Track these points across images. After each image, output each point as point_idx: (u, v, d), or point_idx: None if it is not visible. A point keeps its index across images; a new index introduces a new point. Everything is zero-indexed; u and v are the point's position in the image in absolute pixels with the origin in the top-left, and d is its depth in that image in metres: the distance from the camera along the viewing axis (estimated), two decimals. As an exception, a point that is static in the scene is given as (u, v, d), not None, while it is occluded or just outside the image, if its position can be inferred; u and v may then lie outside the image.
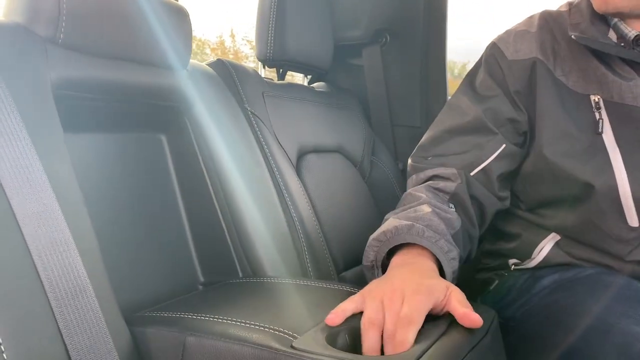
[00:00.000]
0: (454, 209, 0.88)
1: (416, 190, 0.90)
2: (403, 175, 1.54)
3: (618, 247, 0.88)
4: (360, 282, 1.16)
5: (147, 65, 0.84)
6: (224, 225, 0.91)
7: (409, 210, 0.83)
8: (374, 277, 0.79)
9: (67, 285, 0.53)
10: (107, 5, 0.74)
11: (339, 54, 1.45)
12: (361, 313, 0.62)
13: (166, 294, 0.84)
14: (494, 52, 0.98)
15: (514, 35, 0.98)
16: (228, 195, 0.92)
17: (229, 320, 0.60)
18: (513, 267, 1.03)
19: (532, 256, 0.98)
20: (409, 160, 1.02)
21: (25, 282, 0.52)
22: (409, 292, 0.62)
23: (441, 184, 0.90)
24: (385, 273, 0.74)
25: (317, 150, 1.25)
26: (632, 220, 0.86)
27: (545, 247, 0.96)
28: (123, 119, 0.86)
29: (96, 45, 0.74)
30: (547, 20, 0.97)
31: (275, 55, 1.20)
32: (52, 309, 0.51)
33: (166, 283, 0.86)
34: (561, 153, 0.89)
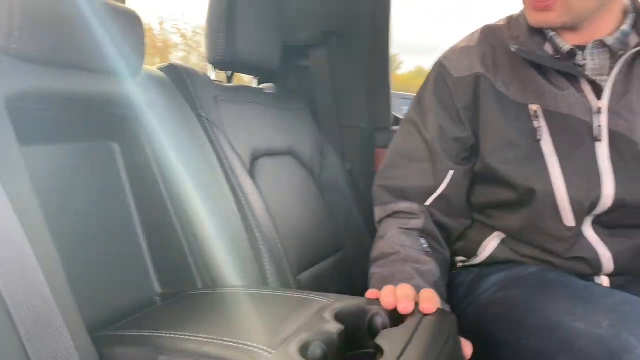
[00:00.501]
0: (426, 243, 0.94)
1: (390, 238, 0.95)
2: (351, 176, 1.57)
3: (557, 245, 0.94)
4: (316, 284, 1.18)
5: (99, 74, 0.82)
6: (181, 234, 0.90)
7: (392, 270, 0.88)
8: None
9: (35, 312, 0.51)
10: (59, 15, 0.72)
11: (286, 55, 1.45)
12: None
13: (123, 308, 0.82)
14: (441, 70, 1.02)
15: (457, 52, 1.02)
16: (185, 204, 0.91)
17: (201, 337, 0.60)
18: (460, 264, 1.08)
19: (478, 253, 1.03)
20: (374, 185, 1.07)
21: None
22: None
23: (410, 223, 0.97)
24: None
25: (269, 154, 1.26)
26: (569, 220, 0.92)
27: (490, 245, 1.02)
28: (74, 129, 0.83)
29: (48, 55, 0.72)
30: (487, 34, 1.02)
31: (227, 58, 1.19)
32: (21, 338, 0.49)
33: (123, 297, 0.84)
34: (504, 160, 0.94)
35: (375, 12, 1.55)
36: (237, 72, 1.31)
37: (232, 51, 1.19)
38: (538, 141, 0.92)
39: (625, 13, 0.95)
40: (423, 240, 0.94)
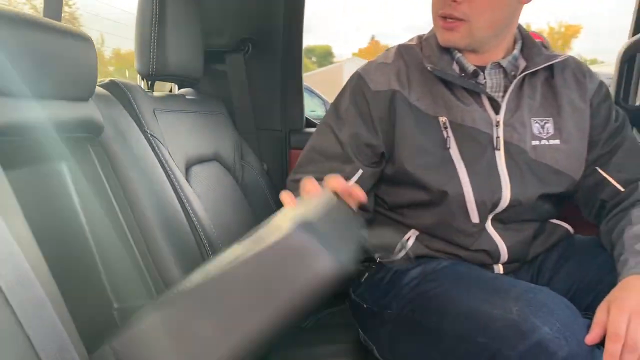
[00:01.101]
0: None
1: None
2: (270, 176, 1.65)
3: (465, 239, 1.11)
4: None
5: (50, 99, 0.82)
6: (135, 249, 0.94)
7: None
8: None
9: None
10: (9, 41, 0.71)
11: (204, 60, 1.49)
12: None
13: (82, 325, 0.84)
14: (360, 83, 1.13)
15: (374, 67, 1.14)
16: (137, 219, 0.94)
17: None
18: (379, 259, 1.22)
19: (396, 250, 1.17)
20: (288, 181, 1.16)
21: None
22: None
23: None
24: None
25: (199, 161, 1.30)
26: (474, 218, 1.09)
27: (407, 242, 1.16)
28: (25, 154, 0.83)
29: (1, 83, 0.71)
30: (402, 52, 1.15)
31: (158, 70, 1.22)
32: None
33: (81, 314, 0.87)
34: (419, 166, 1.09)
35: (289, 21, 1.64)
36: (165, 81, 1.33)
37: (162, 64, 1.22)
38: (447, 149, 1.08)
39: (516, 40, 1.14)
40: None
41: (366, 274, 1.21)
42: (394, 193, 1.16)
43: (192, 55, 1.34)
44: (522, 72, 1.09)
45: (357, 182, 1.09)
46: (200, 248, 1.06)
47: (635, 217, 1.01)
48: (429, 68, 1.08)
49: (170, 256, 0.97)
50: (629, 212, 1.03)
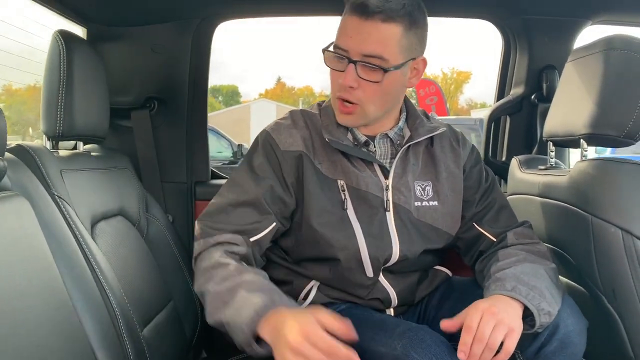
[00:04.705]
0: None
1: (220, 257, 1.09)
2: (174, 227, 1.70)
3: (360, 290, 1.23)
4: (158, 336, 1.30)
5: None
6: (45, 305, 0.95)
7: (236, 282, 1.03)
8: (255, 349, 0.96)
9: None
10: None
11: (110, 116, 1.53)
12: None
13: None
14: (269, 141, 1.21)
15: (283, 128, 1.23)
16: (47, 279, 0.96)
17: None
18: None
19: (301, 298, 1.26)
20: (197, 225, 1.19)
21: None
22: None
23: (235, 248, 1.13)
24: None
25: (104, 217, 1.34)
26: (369, 272, 1.21)
27: (309, 292, 1.25)
28: None
29: None
30: (306, 119, 1.26)
31: (65, 132, 1.25)
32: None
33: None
34: (323, 224, 1.19)
35: (194, 79, 1.73)
36: (71, 141, 1.37)
37: (69, 125, 1.26)
38: (345, 210, 1.19)
39: (401, 111, 1.29)
40: (243, 264, 1.11)
41: None
42: (298, 248, 1.24)
43: (98, 115, 1.39)
44: (406, 142, 1.23)
45: (267, 234, 1.17)
46: (107, 306, 1.09)
47: (501, 256, 1.19)
48: (327, 139, 1.19)
49: (78, 313, 0.99)
50: (497, 253, 1.21)
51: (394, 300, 1.25)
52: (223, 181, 1.88)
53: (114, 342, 1.06)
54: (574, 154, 1.75)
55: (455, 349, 1.01)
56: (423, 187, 1.25)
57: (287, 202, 1.20)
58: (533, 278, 1.08)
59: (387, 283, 1.24)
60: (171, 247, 1.63)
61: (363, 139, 1.23)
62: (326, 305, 1.23)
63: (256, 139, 1.25)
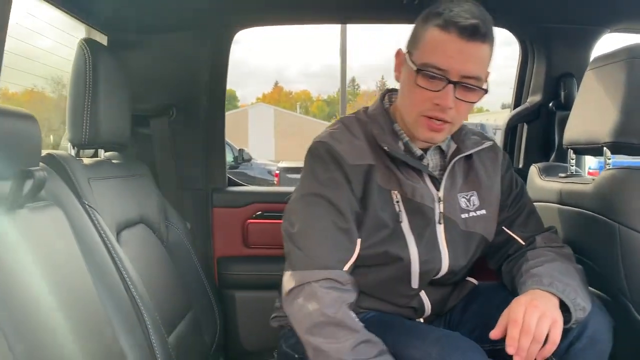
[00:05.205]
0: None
1: (345, 316, 1.04)
2: (192, 235, 1.71)
3: (400, 299, 1.21)
4: (182, 345, 1.30)
5: None
6: (77, 311, 0.95)
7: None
8: None
9: None
10: None
11: None
12: None
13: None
14: (333, 154, 1.13)
15: (344, 140, 1.16)
16: (78, 288, 0.97)
17: None
18: None
19: None
20: (290, 249, 1.11)
21: None
22: None
23: (346, 297, 1.07)
24: None
25: (128, 225, 1.34)
26: (415, 284, 1.19)
27: None
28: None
29: None
30: (361, 128, 1.19)
31: (90, 140, 1.26)
32: None
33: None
34: (377, 236, 1.14)
35: (213, 87, 1.74)
36: (94, 149, 1.37)
37: (94, 134, 1.26)
38: (400, 222, 1.15)
39: None
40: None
41: None
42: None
43: (121, 123, 1.39)
44: (454, 154, 1.21)
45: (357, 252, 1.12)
46: (138, 315, 1.09)
47: (530, 256, 1.20)
48: (386, 148, 1.15)
49: (108, 319, 1.00)
50: (526, 254, 1.22)
51: (428, 310, 1.25)
52: (239, 188, 1.90)
53: (145, 351, 1.06)
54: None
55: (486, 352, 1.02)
56: (468, 197, 1.24)
57: (359, 214, 1.15)
58: (565, 276, 1.10)
59: (425, 294, 1.24)
60: (190, 254, 1.63)
61: (419, 152, 1.20)
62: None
63: (315, 154, 1.16)
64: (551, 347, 0.99)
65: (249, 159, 10.09)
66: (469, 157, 1.26)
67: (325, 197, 1.11)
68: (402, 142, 1.20)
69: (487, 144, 1.26)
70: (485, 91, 1.12)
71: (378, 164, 1.16)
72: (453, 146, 1.24)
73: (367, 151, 1.16)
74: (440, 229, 1.20)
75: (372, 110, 1.24)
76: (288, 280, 1.09)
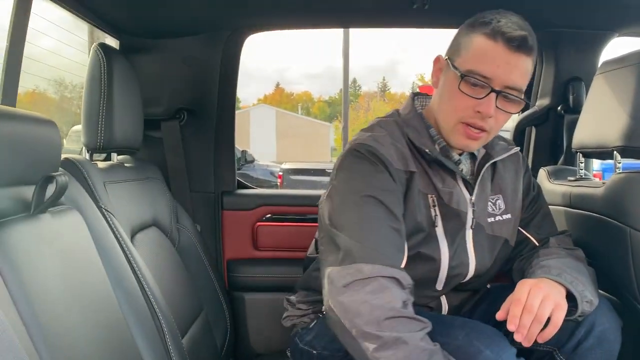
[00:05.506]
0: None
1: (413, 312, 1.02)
2: (203, 237, 1.72)
3: (421, 300, 1.20)
4: (195, 347, 1.31)
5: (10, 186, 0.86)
6: (95, 313, 0.96)
7: None
8: None
9: None
10: None
11: None
12: None
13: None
14: (379, 156, 1.12)
15: (387, 143, 1.15)
16: (98, 290, 0.98)
17: None
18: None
19: None
20: (347, 242, 1.06)
21: None
22: None
23: (410, 300, 1.03)
24: None
25: (141, 228, 1.35)
26: (440, 286, 1.20)
27: None
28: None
29: None
30: (400, 130, 1.18)
31: (105, 144, 1.27)
32: None
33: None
34: (412, 240, 1.13)
35: (223, 91, 1.75)
36: (107, 152, 1.39)
37: (109, 138, 1.28)
38: (435, 227, 1.15)
39: None
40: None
41: (315, 321, 1.29)
42: None
43: (134, 127, 1.41)
44: (484, 159, 1.23)
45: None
46: (154, 317, 1.11)
47: (542, 253, 1.21)
48: (427, 151, 1.15)
49: (126, 322, 1.01)
50: (538, 251, 1.23)
51: (444, 312, 1.26)
52: (249, 191, 1.91)
53: (161, 353, 1.07)
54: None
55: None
56: (494, 201, 1.25)
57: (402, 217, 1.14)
58: (575, 271, 1.11)
59: (445, 297, 1.25)
60: (201, 257, 1.64)
61: (457, 157, 1.21)
62: None
63: (359, 156, 1.14)
64: (552, 329, 1.00)
65: (252, 161, 10.11)
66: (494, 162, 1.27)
67: (377, 199, 1.09)
68: (439, 147, 1.19)
69: (514, 150, 1.28)
70: (527, 103, 1.13)
71: (418, 169, 1.16)
72: (482, 151, 1.25)
73: (408, 156, 1.16)
74: (469, 234, 1.20)
75: (406, 114, 1.22)
76: (346, 271, 1.03)
